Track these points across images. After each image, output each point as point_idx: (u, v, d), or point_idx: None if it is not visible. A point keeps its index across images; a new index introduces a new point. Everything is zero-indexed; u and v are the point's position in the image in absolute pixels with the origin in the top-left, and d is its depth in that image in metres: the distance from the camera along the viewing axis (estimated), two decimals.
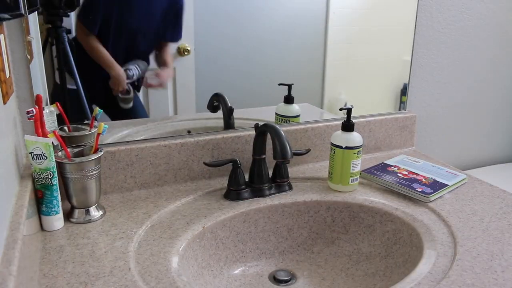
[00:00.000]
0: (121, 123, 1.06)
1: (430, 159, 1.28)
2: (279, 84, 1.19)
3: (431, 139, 1.51)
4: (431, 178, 1.10)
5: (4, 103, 0.75)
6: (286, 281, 0.94)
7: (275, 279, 0.95)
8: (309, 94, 1.24)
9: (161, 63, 1.06)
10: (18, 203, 0.74)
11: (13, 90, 0.89)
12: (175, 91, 1.09)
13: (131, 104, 1.04)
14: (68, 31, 0.95)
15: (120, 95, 1.02)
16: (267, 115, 1.20)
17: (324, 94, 1.26)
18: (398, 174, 1.11)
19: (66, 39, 0.95)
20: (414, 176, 1.11)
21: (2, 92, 0.74)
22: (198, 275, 0.87)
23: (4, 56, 0.79)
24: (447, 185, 1.07)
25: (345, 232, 1.03)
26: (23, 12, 0.78)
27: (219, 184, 1.10)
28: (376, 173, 1.12)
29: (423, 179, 1.09)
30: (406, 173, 1.12)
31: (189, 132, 1.12)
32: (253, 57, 1.14)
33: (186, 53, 1.08)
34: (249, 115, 1.18)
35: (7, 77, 0.80)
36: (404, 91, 1.37)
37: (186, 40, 1.07)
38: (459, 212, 0.98)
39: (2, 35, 0.80)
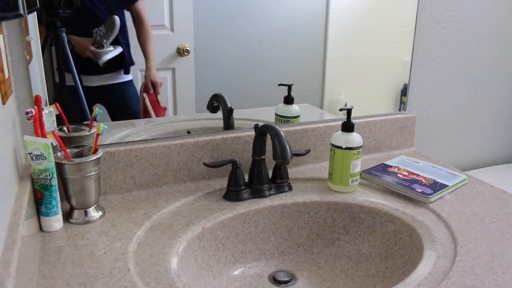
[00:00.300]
0: (121, 124, 1.05)
1: (430, 160, 1.28)
2: (279, 85, 1.18)
3: (431, 140, 1.50)
4: (431, 178, 1.10)
5: (3, 103, 0.75)
6: (286, 282, 0.94)
7: (275, 280, 0.95)
8: (309, 95, 1.24)
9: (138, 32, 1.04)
10: (17, 204, 0.74)
11: (12, 90, 0.89)
12: (174, 92, 1.09)
13: (104, 58, 1.01)
14: (68, 31, 0.95)
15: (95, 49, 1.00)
16: (267, 115, 1.20)
17: (324, 95, 1.26)
18: (398, 175, 1.11)
19: (66, 39, 0.95)
20: (414, 176, 1.10)
21: (1, 92, 0.73)
22: (198, 276, 0.87)
23: (3, 56, 0.79)
24: (448, 185, 1.07)
25: (345, 233, 1.03)
26: (22, 12, 0.77)
27: (218, 185, 1.09)
28: (376, 173, 1.12)
29: (423, 180, 1.09)
30: (406, 173, 1.12)
31: (188, 132, 1.11)
32: (253, 57, 1.14)
33: (185, 53, 1.07)
34: (249, 115, 1.17)
35: (6, 77, 0.80)
36: (404, 92, 1.36)
37: (186, 40, 1.07)
38: (460, 213, 0.98)
39: (1, 35, 0.79)
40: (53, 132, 0.86)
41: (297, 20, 1.16)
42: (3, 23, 0.84)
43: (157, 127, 1.08)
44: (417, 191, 1.02)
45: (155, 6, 1.02)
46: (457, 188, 1.10)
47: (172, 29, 1.05)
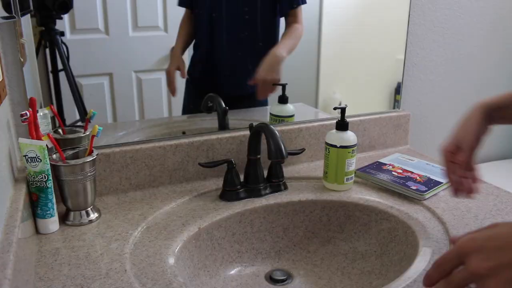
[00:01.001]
0: (116, 125, 1.06)
1: (425, 157, 1.28)
2: (273, 84, 1.19)
3: (425, 137, 1.51)
4: (426, 176, 1.10)
5: None
6: (282, 281, 0.95)
7: (271, 279, 0.95)
8: (304, 94, 1.25)
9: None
10: (13, 206, 0.74)
11: (7, 93, 0.89)
12: (168, 93, 1.09)
13: None
14: (62, 33, 0.95)
15: None
16: (261, 115, 1.20)
17: (319, 94, 1.27)
18: (393, 173, 1.12)
19: (60, 41, 0.95)
20: (409, 174, 1.11)
21: None
22: (194, 276, 0.87)
23: None
24: (442, 183, 1.07)
25: (341, 231, 1.04)
26: (14, 14, 0.77)
27: (214, 185, 1.10)
28: (371, 171, 1.12)
29: (418, 177, 1.09)
30: (401, 171, 1.13)
31: (183, 133, 1.12)
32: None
33: None
34: (244, 115, 1.18)
35: (0, 80, 0.80)
36: (398, 90, 1.37)
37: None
38: (454, 210, 0.98)
39: None
40: (48, 134, 0.86)
41: None
42: None
43: (152, 128, 1.09)
44: (411, 189, 1.03)
45: (149, 7, 1.02)
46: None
47: (166, 30, 1.05)
